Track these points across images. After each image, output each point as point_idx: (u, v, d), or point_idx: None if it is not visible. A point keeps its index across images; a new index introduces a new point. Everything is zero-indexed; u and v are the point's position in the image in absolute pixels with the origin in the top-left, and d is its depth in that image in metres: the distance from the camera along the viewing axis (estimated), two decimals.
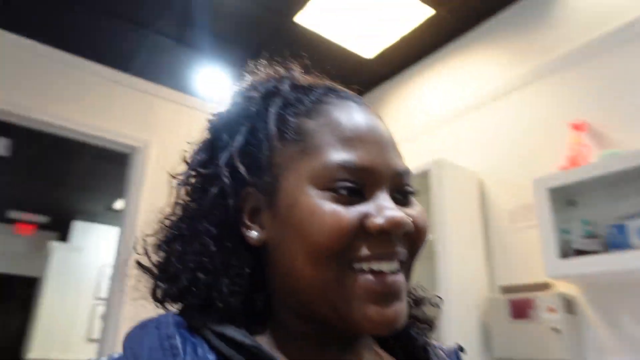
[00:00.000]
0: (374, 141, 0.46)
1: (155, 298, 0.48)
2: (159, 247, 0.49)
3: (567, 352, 1.76)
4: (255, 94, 0.50)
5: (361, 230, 0.43)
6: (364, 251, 0.43)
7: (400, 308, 0.43)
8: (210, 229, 0.46)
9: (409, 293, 0.56)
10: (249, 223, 0.47)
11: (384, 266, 0.43)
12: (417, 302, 0.57)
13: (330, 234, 0.42)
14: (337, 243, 0.42)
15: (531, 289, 1.95)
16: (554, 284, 1.91)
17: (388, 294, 0.43)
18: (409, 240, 0.46)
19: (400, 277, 0.44)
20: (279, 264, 0.46)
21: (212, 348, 0.41)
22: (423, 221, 0.47)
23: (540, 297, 1.88)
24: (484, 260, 2.22)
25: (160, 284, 0.47)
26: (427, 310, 0.57)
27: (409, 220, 0.44)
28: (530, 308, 1.90)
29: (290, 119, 0.48)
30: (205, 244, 0.45)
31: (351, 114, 0.48)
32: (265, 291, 0.48)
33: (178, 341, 0.40)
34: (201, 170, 0.50)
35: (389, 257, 0.44)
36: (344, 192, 0.43)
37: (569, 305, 1.85)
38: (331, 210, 0.42)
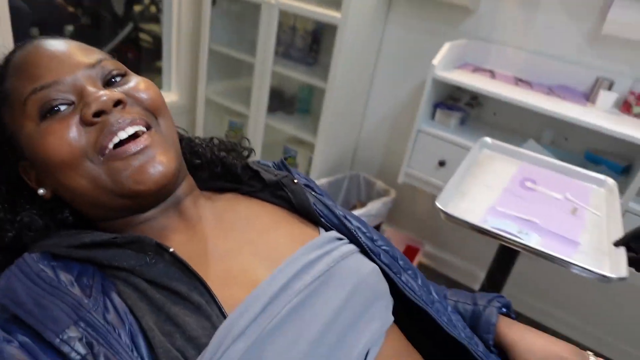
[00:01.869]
0: (49, 57, 0.51)
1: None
2: None
3: None
4: None
5: (86, 127, 0.49)
6: (100, 139, 0.49)
7: (156, 160, 0.50)
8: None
9: (195, 144, 0.66)
10: (35, 186, 0.54)
11: (122, 134, 0.49)
12: (226, 149, 0.67)
13: (61, 150, 0.48)
14: (71, 153, 0.48)
15: None
16: None
17: (136, 155, 0.49)
18: (142, 106, 0.53)
19: (144, 139, 0.50)
20: (66, 197, 0.53)
21: (74, 260, 0.47)
22: (142, 88, 0.54)
23: None
24: None
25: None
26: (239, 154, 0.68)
27: (113, 94, 0.50)
28: None
29: None
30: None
31: (24, 51, 0.52)
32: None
33: (48, 272, 0.44)
34: None
35: (120, 127, 0.49)
36: (55, 111, 0.49)
37: None
38: (52, 133, 0.48)
